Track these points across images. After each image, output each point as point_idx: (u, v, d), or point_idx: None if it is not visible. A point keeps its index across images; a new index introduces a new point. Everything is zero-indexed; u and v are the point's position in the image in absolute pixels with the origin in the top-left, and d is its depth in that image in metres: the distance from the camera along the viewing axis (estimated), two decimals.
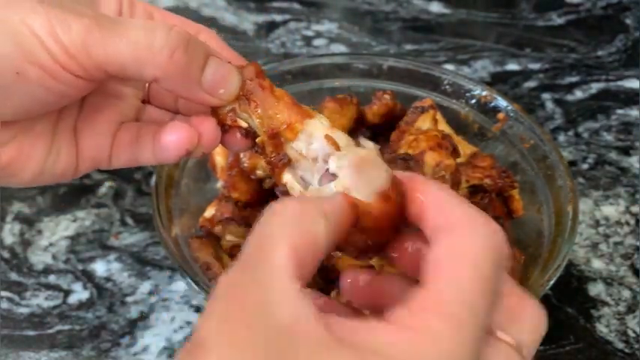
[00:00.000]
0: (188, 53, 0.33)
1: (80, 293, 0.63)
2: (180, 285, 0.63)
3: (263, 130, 0.37)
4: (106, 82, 0.38)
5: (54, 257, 0.66)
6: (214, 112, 0.37)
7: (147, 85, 0.41)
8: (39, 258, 0.66)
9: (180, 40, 0.33)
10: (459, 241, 0.27)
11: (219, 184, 0.60)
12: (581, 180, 0.75)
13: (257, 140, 0.38)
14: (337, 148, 0.37)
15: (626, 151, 0.79)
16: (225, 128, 0.38)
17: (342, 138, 0.37)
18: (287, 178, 0.38)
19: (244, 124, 0.38)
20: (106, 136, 0.38)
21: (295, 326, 0.24)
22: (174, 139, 0.36)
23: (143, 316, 0.61)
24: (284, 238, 0.26)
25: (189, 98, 0.35)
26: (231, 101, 0.37)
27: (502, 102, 0.62)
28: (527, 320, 0.28)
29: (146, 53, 0.32)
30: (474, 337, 0.25)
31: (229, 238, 0.55)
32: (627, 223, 0.70)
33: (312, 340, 0.23)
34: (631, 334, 0.60)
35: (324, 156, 0.37)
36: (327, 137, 0.37)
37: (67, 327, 0.60)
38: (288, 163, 0.38)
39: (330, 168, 0.36)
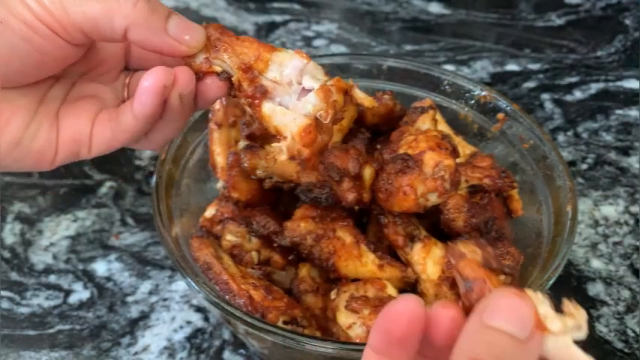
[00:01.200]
0: (149, 3, 0.38)
1: (81, 293, 0.63)
2: (180, 285, 0.63)
3: (236, 68, 0.41)
4: (86, 51, 0.41)
5: (54, 257, 0.66)
6: (188, 64, 0.41)
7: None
8: (39, 258, 0.66)
9: None
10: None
11: (220, 184, 0.60)
12: (580, 180, 0.75)
13: (232, 79, 0.41)
14: (309, 59, 0.41)
15: (625, 152, 0.79)
16: (199, 76, 0.41)
17: (310, 58, 0.42)
18: (267, 106, 0.41)
19: (219, 69, 0.41)
20: (87, 119, 0.41)
21: None
22: (148, 83, 0.39)
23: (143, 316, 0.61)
24: None
25: (161, 48, 0.39)
26: (200, 49, 0.40)
27: (501, 102, 0.62)
28: None
29: (114, 4, 0.37)
30: None
31: (229, 238, 0.55)
32: (626, 223, 0.71)
33: None
34: (630, 333, 0.60)
35: (297, 77, 0.41)
36: (298, 52, 0.41)
37: (67, 327, 0.60)
38: (266, 93, 0.41)
39: (304, 85, 0.41)
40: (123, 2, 0.37)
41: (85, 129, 0.41)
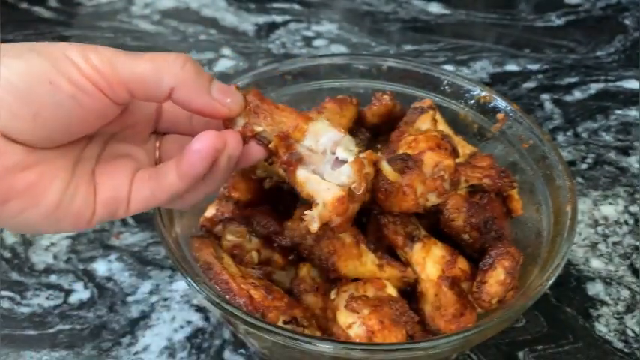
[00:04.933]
0: (195, 66, 0.39)
1: (81, 293, 0.63)
2: (180, 284, 0.63)
3: (274, 135, 0.43)
4: (127, 110, 0.42)
5: (55, 257, 0.66)
6: (229, 128, 0.43)
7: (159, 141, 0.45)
8: (40, 257, 0.66)
9: (188, 58, 0.39)
10: None
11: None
12: (580, 180, 0.75)
13: (270, 146, 0.43)
14: (345, 132, 0.43)
15: (624, 152, 0.79)
16: (244, 140, 0.43)
17: (343, 133, 0.44)
18: (301, 173, 0.43)
19: (259, 132, 0.43)
20: (124, 178, 0.41)
21: None
22: (201, 146, 0.39)
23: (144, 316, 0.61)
24: None
25: (202, 108, 0.40)
26: (240, 113, 0.42)
27: (501, 102, 0.62)
28: None
29: (163, 64, 0.38)
30: None
31: (229, 238, 0.55)
32: (626, 223, 0.71)
33: None
34: (630, 333, 0.60)
35: (332, 147, 0.43)
36: (339, 128, 0.43)
37: (67, 326, 0.60)
38: (300, 160, 0.43)
39: (338, 156, 0.43)
40: (172, 62, 0.38)
41: (123, 188, 0.41)
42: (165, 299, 0.62)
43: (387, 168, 0.48)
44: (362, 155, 0.44)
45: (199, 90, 0.39)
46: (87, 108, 0.37)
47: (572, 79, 0.90)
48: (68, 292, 0.63)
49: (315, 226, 0.43)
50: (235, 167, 0.43)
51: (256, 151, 0.43)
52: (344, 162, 0.43)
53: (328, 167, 0.43)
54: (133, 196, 0.41)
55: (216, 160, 0.40)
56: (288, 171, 0.43)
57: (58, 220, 0.39)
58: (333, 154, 0.43)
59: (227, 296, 0.48)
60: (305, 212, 0.43)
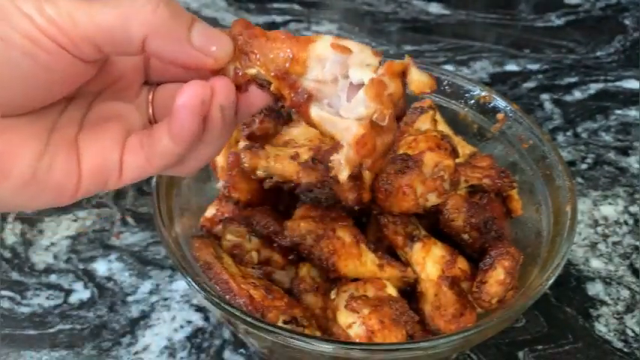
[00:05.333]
0: (170, 8, 0.33)
1: (81, 293, 0.63)
2: (180, 284, 0.63)
3: (272, 76, 0.36)
4: (98, 67, 0.36)
5: (55, 257, 0.66)
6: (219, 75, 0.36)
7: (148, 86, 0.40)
8: (40, 257, 0.66)
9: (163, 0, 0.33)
10: None
11: (220, 184, 0.60)
12: (579, 180, 0.75)
13: (272, 89, 0.36)
14: (348, 52, 0.34)
15: (624, 152, 0.79)
16: (238, 88, 0.37)
17: (351, 44, 0.35)
18: (315, 112, 0.36)
19: (254, 75, 0.36)
20: (113, 144, 0.36)
21: None
22: (186, 99, 0.34)
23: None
24: None
25: (185, 60, 0.34)
26: (230, 60, 0.36)
27: (501, 102, 0.62)
28: None
29: (130, 10, 0.32)
30: None
31: (229, 238, 0.55)
32: (626, 223, 0.71)
33: None
34: (630, 333, 0.60)
35: (342, 71, 0.35)
36: (334, 46, 0.34)
37: (68, 326, 0.60)
38: (310, 97, 0.35)
39: (352, 79, 0.34)
40: (140, 7, 0.32)
41: (113, 155, 0.36)
42: (166, 299, 0.62)
43: (416, 76, 0.37)
44: (380, 71, 0.35)
45: (176, 38, 0.33)
46: (49, 67, 0.32)
47: (572, 79, 0.90)
48: (68, 292, 0.63)
49: (344, 175, 0.35)
50: (238, 119, 0.38)
51: (259, 98, 0.37)
52: (361, 85, 0.35)
53: (344, 97, 0.35)
54: (126, 165, 0.36)
55: (208, 114, 0.35)
56: (300, 113, 0.36)
57: (35, 193, 0.34)
58: (347, 77, 0.35)
59: (227, 296, 0.48)
60: (331, 157, 0.36)
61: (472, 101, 0.64)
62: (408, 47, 0.96)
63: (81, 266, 0.65)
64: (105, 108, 0.38)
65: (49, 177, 0.34)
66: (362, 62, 0.34)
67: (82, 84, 0.35)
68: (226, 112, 0.36)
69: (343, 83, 0.35)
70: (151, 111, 0.39)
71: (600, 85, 0.89)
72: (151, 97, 0.39)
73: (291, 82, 0.35)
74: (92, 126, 0.37)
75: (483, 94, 0.64)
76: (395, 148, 0.54)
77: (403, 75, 0.36)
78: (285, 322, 0.48)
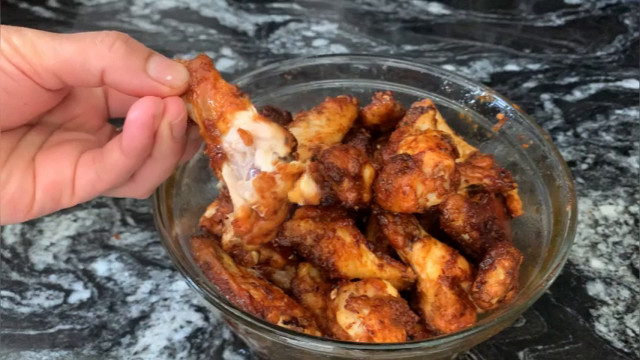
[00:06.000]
0: (127, 44, 0.35)
1: (81, 293, 0.63)
2: (180, 284, 0.63)
3: (201, 121, 0.37)
4: (62, 95, 0.38)
5: (55, 257, 0.66)
6: None
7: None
8: (40, 258, 0.66)
9: (119, 36, 0.35)
10: None
11: (220, 184, 0.60)
12: (580, 180, 0.75)
13: (199, 134, 0.38)
14: (249, 142, 0.36)
15: (625, 152, 0.79)
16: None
17: (266, 128, 0.36)
18: (225, 172, 0.38)
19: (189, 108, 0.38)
20: (68, 162, 0.38)
21: None
22: (137, 114, 0.36)
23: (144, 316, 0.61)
24: None
25: (139, 90, 0.36)
26: (185, 89, 0.37)
27: (501, 102, 0.62)
28: None
29: (89, 46, 0.34)
30: None
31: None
32: (626, 223, 0.71)
33: None
34: (630, 333, 0.60)
35: (252, 150, 0.36)
36: (241, 132, 0.36)
37: (67, 326, 0.60)
38: (224, 157, 0.37)
39: (255, 162, 0.36)
40: (99, 42, 0.34)
41: (67, 172, 0.38)
42: (165, 299, 0.62)
43: (304, 186, 0.39)
44: (281, 163, 0.36)
45: (133, 70, 0.35)
46: (13, 92, 0.34)
47: (573, 79, 0.90)
48: (68, 292, 0.63)
49: (227, 237, 0.38)
50: (187, 137, 0.39)
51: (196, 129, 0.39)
52: (259, 171, 0.36)
53: (245, 173, 0.37)
54: (78, 180, 0.38)
55: (157, 130, 0.37)
56: (214, 166, 0.38)
57: None
58: (253, 155, 0.37)
59: (227, 296, 0.48)
60: (227, 216, 0.38)
61: (472, 101, 0.64)
62: (408, 47, 0.96)
63: (81, 266, 0.65)
64: (66, 135, 0.40)
65: (4, 193, 0.36)
66: (270, 149, 0.36)
67: (43, 112, 0.38)
68: (175, 130, 0.37)
69: (250, 160, 0.37)
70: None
71: (600, 85, 0.89)
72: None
73: (213, 135, 0.37)
74: (50, 147, 0.39)
75: (483, 94, 0.64)
76: (395, 149, 0.54)
77: (299, 176, 0.38)
78: (285, 322, 0.48)
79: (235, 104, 0.37)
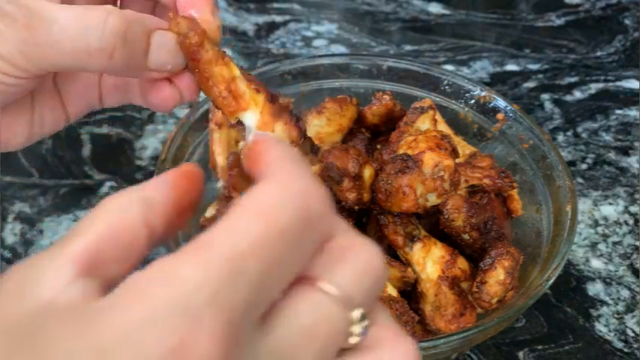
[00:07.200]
0: (127, 47, 0.32)
1: None
2: None
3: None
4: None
5: None
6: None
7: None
8: None
9: (117, 37, 0.32)
10: (261, 190, 0.23)
11: (220, 184, 0.60)
12: (580, 180, 0.75)
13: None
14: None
15: (625, 152, 0.79)
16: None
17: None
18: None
19: None
20: (91, 80, 0.39)
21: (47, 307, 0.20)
22: (158, 100, 0.37)
23: None
24: (83, 231, 0.23)
25: (143, 79, 0.37)
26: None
27: (501, 102, 0.62)
28: (350, 262, 0.24)
29: (85, 57, 0.32)
30: (228, 274, 0.20)
31: None
32: (626, 223, 0.71)
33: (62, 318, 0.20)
34: (630, 333, 0.60)
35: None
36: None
37: None
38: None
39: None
40: (95, 53, 0.32)
41: (93, 89, 0.39)
42: None
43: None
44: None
45: (134, 71, 0.34)
46: (8, 90, 0.34)
47: (573, 79, 0.90)
48: None
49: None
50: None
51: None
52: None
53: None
54: (104, 97, 0.39)
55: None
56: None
57: (33, 141, 0.38)
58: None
59: None
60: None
61: (472, 101, 0.64)
62: (408, 47, 0.96)
63: None
64: None
65: (43, 132, 0.38)
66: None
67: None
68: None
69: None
70: None
71: (600, 85, 0.89)
72: None
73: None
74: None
75: (483, 94, 0.64)
76: (395, 149, 0.54)
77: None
78: None
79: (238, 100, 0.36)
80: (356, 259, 0.25)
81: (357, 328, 0.24)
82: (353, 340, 0.24)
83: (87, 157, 0.76)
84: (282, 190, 0.23)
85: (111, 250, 0.22)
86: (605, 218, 0.71)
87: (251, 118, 0.36)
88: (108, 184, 0.73)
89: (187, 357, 0.19)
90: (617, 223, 0.71)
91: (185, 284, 0.20)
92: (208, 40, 0.34)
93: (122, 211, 0.24)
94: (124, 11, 0.33)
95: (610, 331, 0.61)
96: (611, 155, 0.79)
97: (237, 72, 0.35)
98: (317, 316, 0.22)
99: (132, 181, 0.73)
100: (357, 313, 0.24)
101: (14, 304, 0.21)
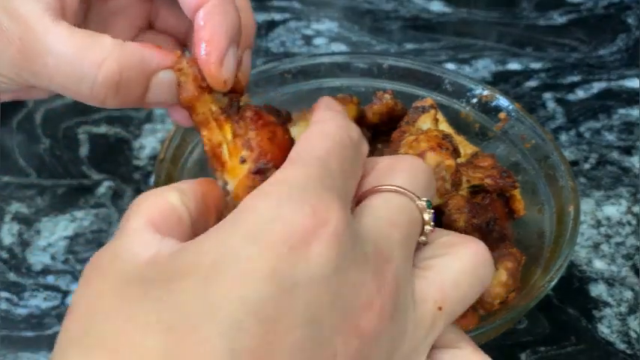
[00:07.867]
0: (120, 94, 0.32)
1: None
2: None
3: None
4: None
5: (53, 257, 0.66)
6: None
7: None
8: (37, 258, 0.65)
9: (109, 89, 0.32)
10: (316, 125, 0.29)
11: (219, 184, 0.60)
12: (582, 180, 0.75)
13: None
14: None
15: (627, 151, 0.79)
16: None
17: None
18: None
19: None
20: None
21: (150, 261, 0.25)
22: (180, 118, 0.39)
23: None
24: (139, 211, 0.27)
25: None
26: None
27: (503, 101, 0.62)
28: (398, 169, 0.29)
29: (79, 96, 0.32)
30: (322, 179, 0.25)
31: None
32: (629, 224, 0.70)
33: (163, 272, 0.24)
34: (633, 334, 0.60)
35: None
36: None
37: None
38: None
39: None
40: (88, 97, 0.32)
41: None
42: None
43: None
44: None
45: (132, 105, 0.34)
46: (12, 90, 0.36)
47: (575, 78, 0.90)
48: (66, 294, 0.62)
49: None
50: None
51: None
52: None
53: None
54: None
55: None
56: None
57: None
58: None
59: None
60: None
61: (474, 100, 0.64)
62: (409, 46, 0.96)
63: (79, 267, 0.65)
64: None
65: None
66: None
67: None
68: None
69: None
70: None
71: (603, 84, 0.89)
72: None
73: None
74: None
75: (485, 93, 0.63)
76: (396, 148, 0.54)
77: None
78: None
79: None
80: (402, 166, 0.29)
81: (427, 215, 0.28)
82: (428, 227, 0.28)
83: (84, 157, 0.75)
84: (331, 122, 0.28)
85: (169, 224, 0.27)
86: (608, 219, 0.71)
87: (230, 182, 0.35)
88: (106, 183, 0.72)
89: (325, 220, 0.23)
90: (619, 223, 0.70)
91: (295, 178, 0.24)
92: (208, 96, 0.33)
93: (162, 195, 0.28)
94: (126, 49, 0.31)
95: (613, 332, 0.60)
96: (614, 155, 0.78)
97: (228, 136, 0.33)
98: (392, 207, 0.27)
99: (130, 181, 0.73)
100: (423, 202, 0.28)
101: (119, 265, 0.25)
